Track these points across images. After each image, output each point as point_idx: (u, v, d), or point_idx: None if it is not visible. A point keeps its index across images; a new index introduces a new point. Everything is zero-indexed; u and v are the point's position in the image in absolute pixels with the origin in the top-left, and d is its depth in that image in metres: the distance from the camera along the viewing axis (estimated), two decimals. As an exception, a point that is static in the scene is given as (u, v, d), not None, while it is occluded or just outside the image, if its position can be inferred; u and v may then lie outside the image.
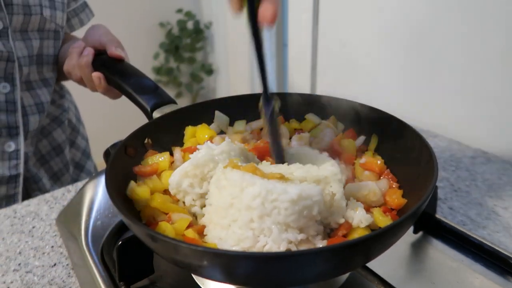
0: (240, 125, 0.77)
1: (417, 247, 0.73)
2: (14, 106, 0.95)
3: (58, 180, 1.13)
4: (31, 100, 1.00)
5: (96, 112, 1.90)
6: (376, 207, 0.60)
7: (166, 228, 0.55)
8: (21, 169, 0.99)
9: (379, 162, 0.66)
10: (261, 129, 0.78)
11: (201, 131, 0.74)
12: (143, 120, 0.74)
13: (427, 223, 0.74)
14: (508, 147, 0.99)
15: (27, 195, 1.04)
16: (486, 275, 0.66)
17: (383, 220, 0.56)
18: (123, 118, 1.78)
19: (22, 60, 0.95)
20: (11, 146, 0.96)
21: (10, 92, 0.94)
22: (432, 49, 1.11)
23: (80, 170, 1.20)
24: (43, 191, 1.06)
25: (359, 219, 0.56)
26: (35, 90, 1.01)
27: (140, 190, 0.60)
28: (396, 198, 0.60)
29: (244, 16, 0.55)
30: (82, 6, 1.13)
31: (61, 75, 1.00)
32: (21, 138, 0.97)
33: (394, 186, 0.64)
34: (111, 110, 1.99)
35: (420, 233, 0.75)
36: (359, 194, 0.61)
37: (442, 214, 0.80)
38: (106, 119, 2.28)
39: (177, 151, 0.70)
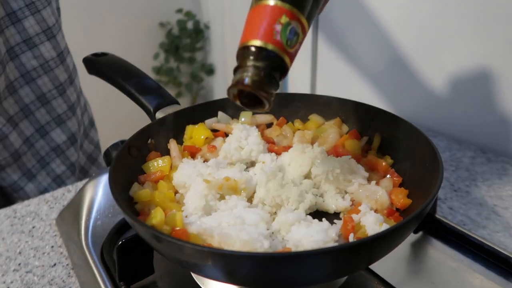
0: (246, 116, 0.77)
1: (417, 247, 0.73)
2: None
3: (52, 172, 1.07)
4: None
5: (103, 111, 1.88)
6: (382, 209, 0.60)
7: (157, 211, 0.56)
8: None
9: (384, 163, 0.66)
10: (267, 124, 0.77)
11: (198, 131, 0.73)
12: (146, 120, 0.74)
13: (427, 223, 0.74)
14: (508, 147, 0.99)
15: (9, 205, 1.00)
16: (486, 275, 0.66)
17: (388, 223, 0.56)
18: (128, 118, 1.77)
19: None
20: None
21: None
22: (433, 49, 1.11)
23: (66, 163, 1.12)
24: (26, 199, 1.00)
25: (372, 229, 0.55)
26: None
27: (143, 192, 0.61)
28: (402, 198, 0.60)
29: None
30: None
31: None
32: None
33: (398, 185, 0.64)
34: (116, 110, 1.98)
35: (420, 233, 0.75)
36: (367, 200, 0.61)
37: (442, 214, 0.80)
38: (111, 119, 2.27)
39: (172, 143, 0.71)
